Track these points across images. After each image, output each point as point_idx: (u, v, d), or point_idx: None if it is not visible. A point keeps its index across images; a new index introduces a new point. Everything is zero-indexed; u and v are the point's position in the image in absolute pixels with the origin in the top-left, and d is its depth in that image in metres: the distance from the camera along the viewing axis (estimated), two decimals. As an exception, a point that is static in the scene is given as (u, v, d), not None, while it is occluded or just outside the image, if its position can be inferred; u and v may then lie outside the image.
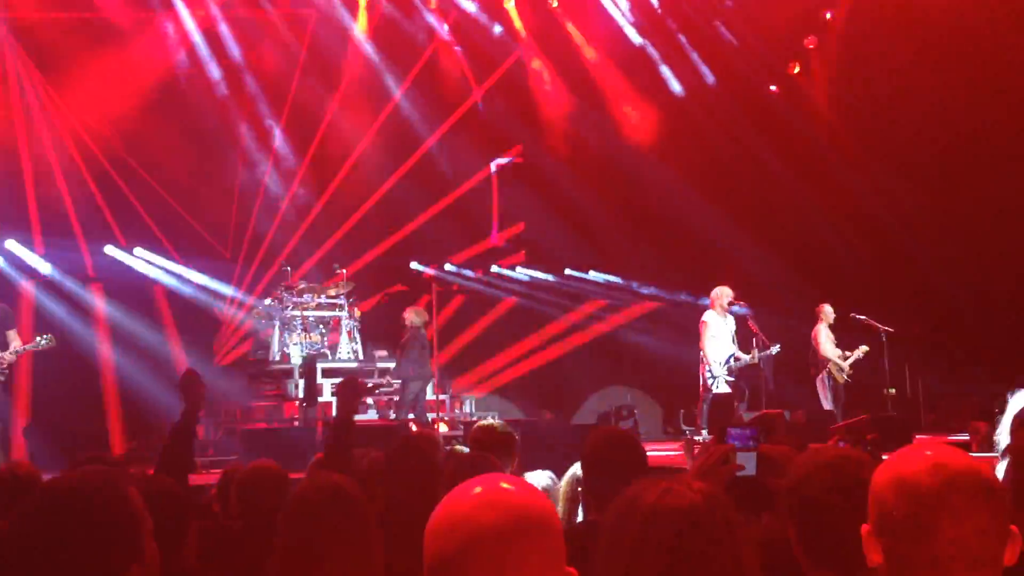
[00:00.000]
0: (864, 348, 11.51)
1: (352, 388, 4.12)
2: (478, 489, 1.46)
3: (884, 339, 11.54)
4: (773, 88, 15.04)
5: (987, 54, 12.29)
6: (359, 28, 14.97)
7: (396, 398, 12.31)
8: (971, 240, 13.00)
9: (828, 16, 14.33)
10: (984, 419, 8.02)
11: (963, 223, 12.97)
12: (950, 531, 1.54)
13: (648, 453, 3.45)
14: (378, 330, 13.61)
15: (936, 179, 13.15)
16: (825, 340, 11.56)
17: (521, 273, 16.28)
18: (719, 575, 1.62)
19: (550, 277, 16.14)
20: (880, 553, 1.62)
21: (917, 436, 9.49)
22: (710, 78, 15.00)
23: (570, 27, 15.32)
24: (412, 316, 11.80)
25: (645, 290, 15.75)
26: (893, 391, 12.04)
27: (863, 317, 11.65)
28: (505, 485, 1.46)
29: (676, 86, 15.26)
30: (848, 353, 11.53)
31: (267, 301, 13.17)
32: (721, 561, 1.62)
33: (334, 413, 4.21)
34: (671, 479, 1.73)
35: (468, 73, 15.55)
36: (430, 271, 14.85)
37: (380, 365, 12.88)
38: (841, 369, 11.46)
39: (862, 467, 2.03)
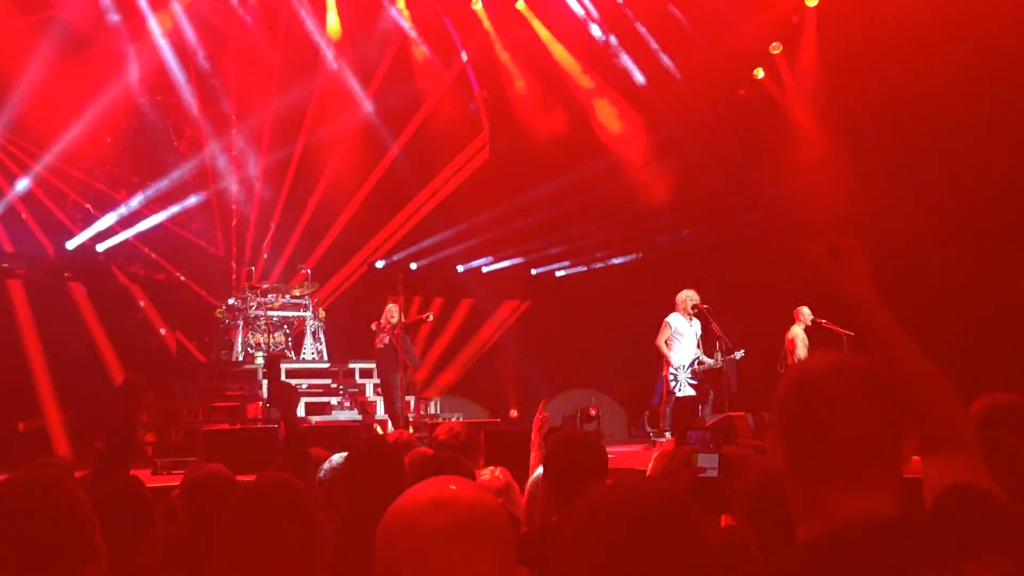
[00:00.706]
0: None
1: (287, 393, 4.13)
2: (429, 490, 1.45)
3: (845, 344, 11.62)
4: (742, 92, 15.14)
5: (961, 56, 12.34)
6: (329, 31, 14.90)
7: (370, 398, 12.30)
8: (940, 243, 13.08)
9: (796, 21, 14.44)
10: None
11: (934, 226, 13.04)
12: (847, 428, 1.54)
13: (611, 455, 3.46)
14: (342, 330, 13.56)
15: (907, 182, 13.22)
16: (801, 346, 11.60)
17: (488, 269, 16.29)
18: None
19: (518, 259, 16.15)
20: (783, 456, 1.62)
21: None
22: (677, 74, 15.03)
23: (536, 25, 15.33)
24: (394, 315, 11.74)
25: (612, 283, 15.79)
26: None
27: (824, 321, 11.74)
28: (455, 486, 1.46)
29: (639, 77, 15.25)
30: None
31: (230, 300, 13.07)
32: (682, 562, 1.62)
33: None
34: (633, 481, 1.73)
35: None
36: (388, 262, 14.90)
37: (352, 365, 12.84)
38: None
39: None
